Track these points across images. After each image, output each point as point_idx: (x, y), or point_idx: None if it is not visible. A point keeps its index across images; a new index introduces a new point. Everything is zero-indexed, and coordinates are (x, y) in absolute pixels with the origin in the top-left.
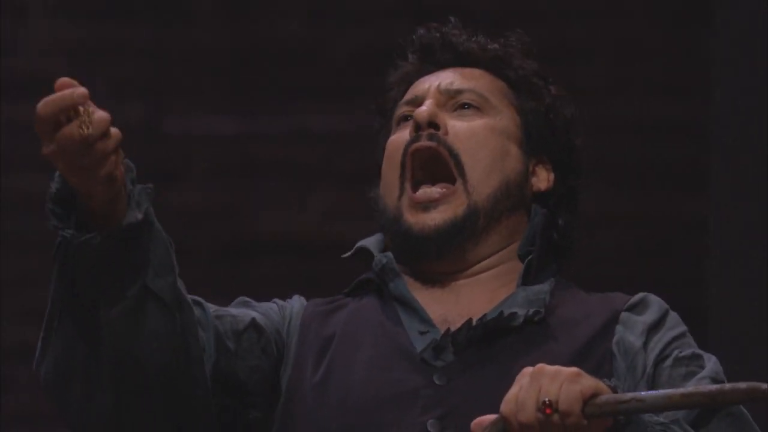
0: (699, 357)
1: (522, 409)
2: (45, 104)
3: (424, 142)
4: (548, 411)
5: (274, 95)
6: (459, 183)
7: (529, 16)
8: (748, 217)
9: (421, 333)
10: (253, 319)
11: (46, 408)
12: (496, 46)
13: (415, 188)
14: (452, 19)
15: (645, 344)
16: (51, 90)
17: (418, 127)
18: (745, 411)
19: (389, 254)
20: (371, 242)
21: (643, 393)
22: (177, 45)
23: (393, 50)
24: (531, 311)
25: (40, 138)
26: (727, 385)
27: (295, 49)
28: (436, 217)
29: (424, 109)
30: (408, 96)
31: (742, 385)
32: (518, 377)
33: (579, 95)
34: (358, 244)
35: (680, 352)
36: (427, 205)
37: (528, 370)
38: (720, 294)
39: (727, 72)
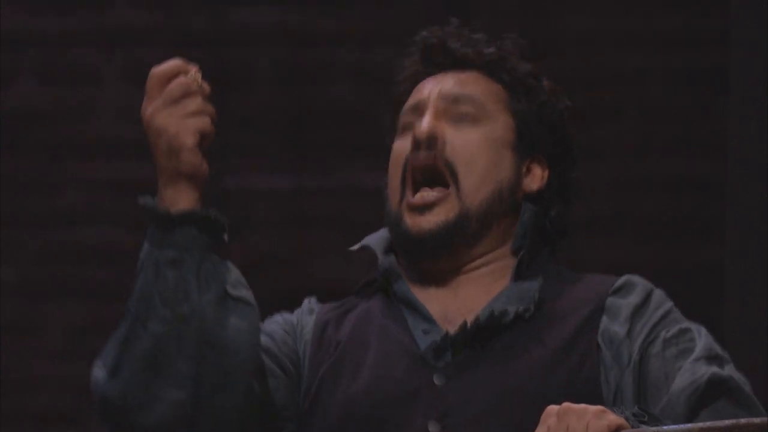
0: (687, 331)
1: None
2: (162, 66)
3: (422, 156)
4: None
5: (327, 153)
6: (452, 189)
7: (561, 81)
8: (759, 263)
9: (425, 332)
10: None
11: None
12: (492, 49)
13: (413, 193)
14: (453, 20)
15: (629, 331)
16: (124, 150)
17: (417, 144)
18: (743, 385)
19: (392, 257)
20: (376, 241)
21: (665, 427)
22: (238, 108)
23: None
24: (521, 308)
25: (147, 98)
26: (743, 420)
27: (345, 111)
28: (430, 220)
29: (424, 127)
30: (411, 101)
31: (756, 420)
32: (544, 416)
33: (604, 154)
34: (364, 242)
35: (667, 331)
36: (422, 209)
37: (553, 408)
38: (734, 334)
39: (741, 132)
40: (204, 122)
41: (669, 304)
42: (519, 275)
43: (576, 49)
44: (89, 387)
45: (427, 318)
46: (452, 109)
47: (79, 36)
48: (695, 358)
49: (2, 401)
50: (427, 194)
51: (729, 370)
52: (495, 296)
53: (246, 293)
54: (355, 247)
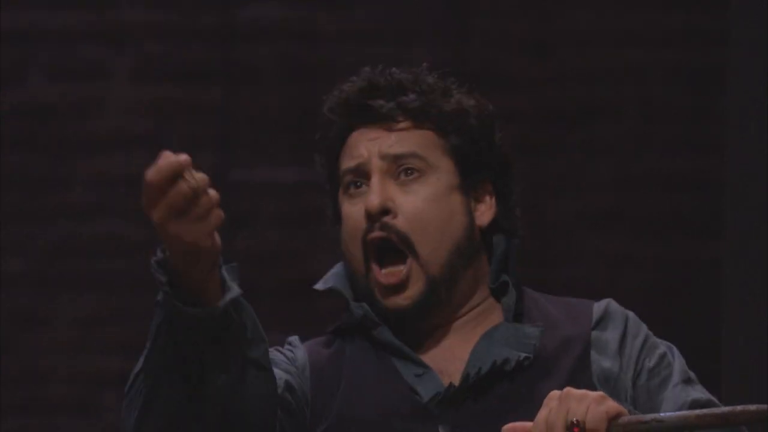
0: (664, 356)
1: (551, 429)
2: (156, 171)
3: (377, 234)
4: (576, 430)
5: None
6: (411, 261)
7: (562, 79)
8: (758, 261)
9: (417, 376)
10: (287, 381)
11: None
12: (413, 96)
13: (379, 266)
14: (364, 70)
15: (620, 365)
16: (133, 144)
17: (370, 217)
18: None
19: (364, 305)
20: (340, 282)
21: (662, 414)
22: (244, 104)
23: None
24: (522, 356)
25: (149, 206)
26: (739, 407)
27: None
28: (406, 297)
29: (374, 200)
30: (349, 162)
31: (752, 407)
32: (546, 400)
33: (605, 151)
34: (330, 285)
35: (649, 361)
36: (394, 288)
37: (555, 393)
38: (732, 330)
39: (740, 129)
40: (216, 219)
41: (644, 327)
42: (512, 316)
43: (576, 48)
44: (99, 377)
45: (416, 362)
46: (396, 168)
47: (88, 32)
48: (674, 384)
49: (13, 392)
50: (393, 273)
51: (703, 392)
52: (488, 334)
53: (262, 349)
54: (320, 286)
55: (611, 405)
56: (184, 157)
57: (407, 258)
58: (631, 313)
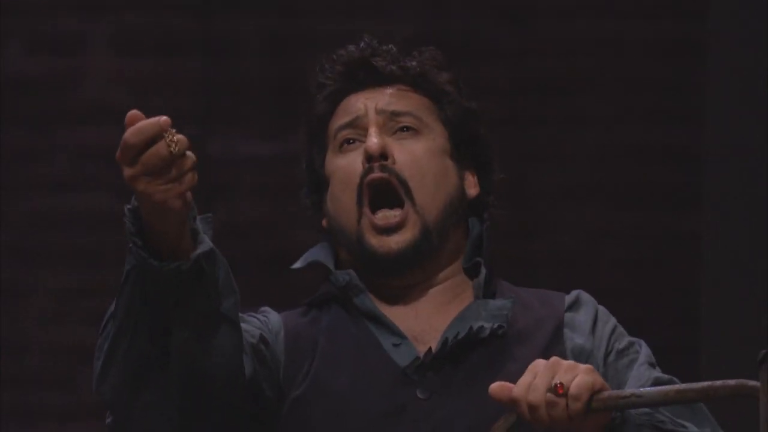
0: (632, 344)
1: (534, 390)
2: (135, 132)
3: (377, 174)
4: (560, 390)
5: None
6: (408, 206)
7: (541, 50)
8: (737, 233)
9: (395, 345)
10: (261, 335)
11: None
12: (414, 63)
13: (372, 212)
14: (367, 37)
15: (592, 344)
16: (112, 117)
17: (370, 158)
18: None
19: (351, 272)
20: (322, 255)
21: (641, 389)
22: (224, 77)
23: None
24: (495, 325)
25: (122, 163)
26: (718, 382)
27: None
28: (398, 240)
29: (375, 142)
30: (344, 118)
31: (732, 381)
32: (531, 367)
33: (585, 122)
34: (310, 258)
35: (619, 344)
36: (388, 230)
37: (541, 361)
38: (711, 301)
39: (719, 101)
40: (188, 182)
41: (612, 319)
42: (485, 291)
43: (555, 20)
44: (76, 351)
45: (395, 332)
46: (392, 124)
47: (66, 4)
48: (640, 363)
49: None
50: (389, 215)
51: (664, 375)
52: (462, 313)
53: (232, 301)
54: (298, 264)
55: (599, 379)
56: (164, 119)
57: (404, 204)
58: (601, 306)
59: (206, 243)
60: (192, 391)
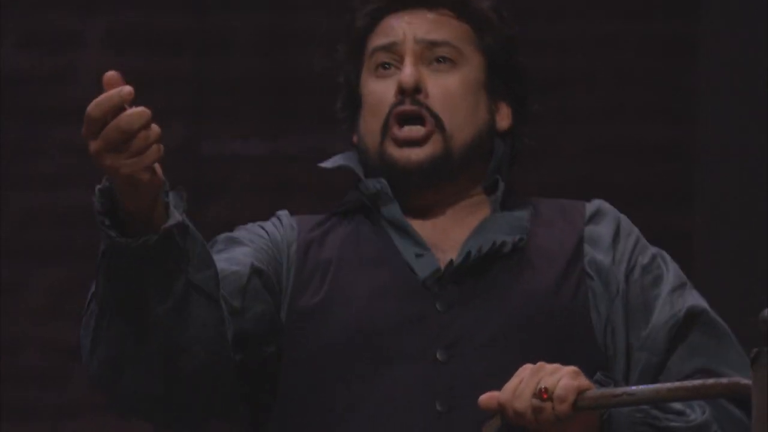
0: (655, 257)
1: (519, 396)
2: (96, 105)
3: (407, 107)
4: (545, 395)
5: (302, 119)
6: (437, 131)
7: (532, 48)
8: (729, 231)
9: (417, 255)
10: (252, 265)
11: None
12: None
13: (399, 129)
14: None
15: (613, 259)
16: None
17: (402, 92)
18: (714, 315)
19: (383, 180)
20: (353, 162)
21: (633, 387)
22: (217, 75)
23: None
24: (517, 238)
25: (87, 137)
26: (711, 380)
27: (320, 79)
28: (419, 153)
29: (409, 75)
30: (383, 39)
31: (724, 380)
32: (519, 371)
33: (577, 119)
34: (341, 162)
35: (642, 258)
36: (410, 143)
37: (528, 366)
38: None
39: (710, 98)
40: (153, 155)
41: (636, 230)
42: (502, 206)
43: (547, 15)
44: (71, 346)
45: (418, 242)
46: (429, 54)
47: (61, 0)
48: (671, 287)
49: None
50: (415, 129)
51: (698, 299)
52: (480, 225)
53: (208, 274)
54: (327, 164)
55: (583, 381)
56: (126, 90)
57: (433, 128)
58: (623, 215)
59: (175, 216)
60: (173, 366)
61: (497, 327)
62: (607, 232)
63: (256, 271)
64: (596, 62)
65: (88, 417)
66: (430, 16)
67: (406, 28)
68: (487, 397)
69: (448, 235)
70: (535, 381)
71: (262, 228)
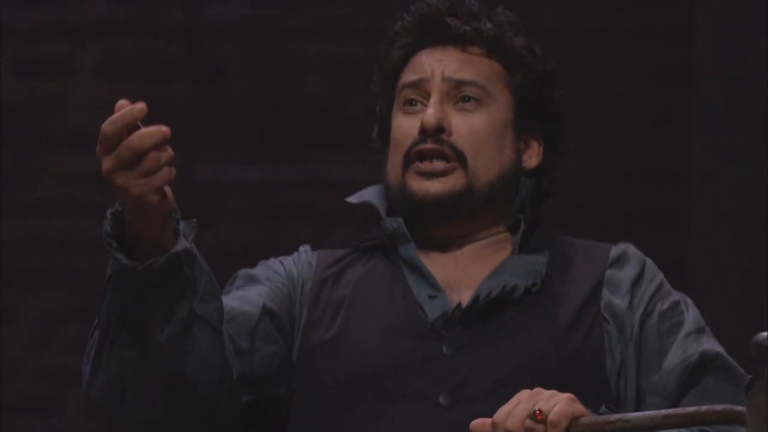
0: (678, 304)
1: (512, 417)
2: (110, 122)
3: (429, 146)
4: (539, 417)
5: (298, 145)
6: (460, 168)
7: None
8: (723, 258)
9: (431, 297)
10: (264, 305)
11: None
12: (489, 25)
13: (421, 162)
14: None
15: (630, 302)
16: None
17: (424, 131)
18: (731, 360)
19: (400, 219)
20: (376, 197)
21: (630, 414)
22: (210, 101)
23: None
24: (530, 283)
25: (101, 156)
26: (705, 407)
27: (316, 105)
28: (437, 186)
29: (432, 115)
30: (412, 76)
31: (718, 407)
32: (517, 395)
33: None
34: (365, 198)
35: (662, 304)
36: (430, 175)
37: (526, 391)
38: None
39: (704, 125)
40: (165, 176)
41: (660, 275)
42: (523, 247)
43: (542, 43)
44: (63, 374)
45: (432, 284)
46: (456, 93)
47: (53, 28)
48: (686, 332)
49: None
50: (437, 163)
51: (714, 344)
52: (499, 267)
53: (213, 306)
54: (353, 198)
55: (578, 407)
56: (138, 107)
57: (457, 165)
58: (649, 260)
59: (183, 242)
60: (173, 395)
61: (503, 371)
62: (628, 277)
63: (267, 312)
64: (590, 89)
65: None
66: (460, 54)
67: (435, 65)
68: (479, 423)
69: (467, 273)
70: (531, 404)
71: (282, 264)
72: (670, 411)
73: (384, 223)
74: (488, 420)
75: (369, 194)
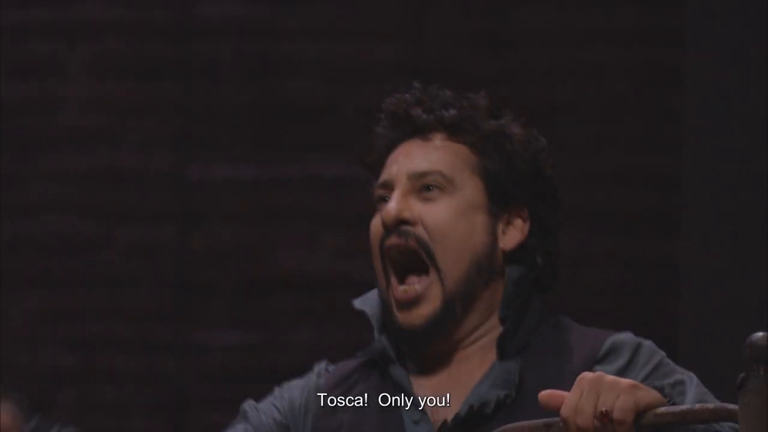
0: (677, 384)
1: (580, 413)
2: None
3: (394, 240)
4: (605, 419)
5: (289, 144)
6: (433, 272)
7: (520, 77)
8: (715, 259)
9: (415, 422)
10: None
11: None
12: (453, 111)
13: (398, 281)
14: (416, 85)
15: None
16: (90, 141)
17: (386, 226)
18: None
19: (383, 339)
20: (372, 310)
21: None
22: (203, 101)
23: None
24: (502, 395)
25: None
26: (697, 406)
27: (308, 105)
28: (420, 315)
29: (391, 210)
30: (383, 176)
31: (710, 405)
32: (578, 381)
33: (564, 148)
34: (364, 307)
35: (661, 382)
36: (409, 304)
37: (588, 375)
38: (689, 328)
39: (698, 127)
40: None
41: (658, 357)
42: (503, 352)
43: (534, 45)
44: (54, 374)
45: (417, 407)
46: (419, 185)
47: (45, 28)
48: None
49: None
50: (410, 288)
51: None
52: (480, 379)
53: None
54: (357, 303)
55: (641, 396)
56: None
57: (428, 270)
58: (647, 342)
59: None
60: None
61: None
62: (611, 370)
63: None
64: (583, 91)
65: None
66: (423, 144)
67: (401, 161)
68: (548, 394)
69: (460, 384)
70: (594, 396)
71: (281, 397)
72: (663, 410)
73: (374, 343)
74: (557, 394)
75: (368, 303)
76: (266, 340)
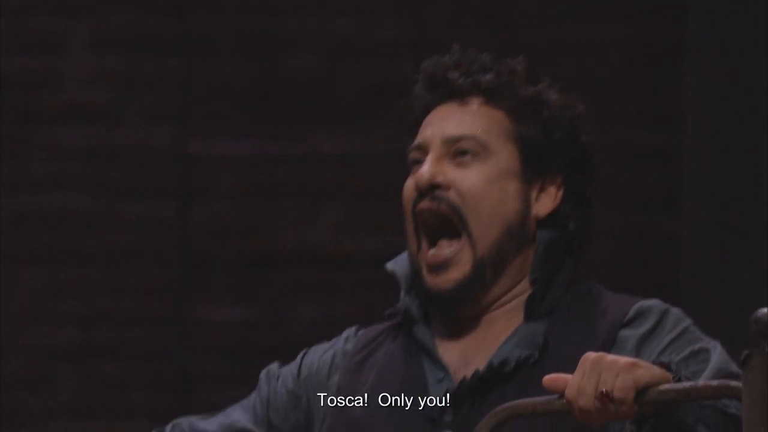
0: (699, 352)
1: (582, 395)
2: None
3: (426, 204)
4: (606, 400)
5: (290, 120)
6: (464, 237)
7: (519, 52)
8: (717, 235)
9: (439, 381)
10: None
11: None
12: (490, 76)
13: (429, 245)
14: (455, 47)
15: (637, 355)
16: (90, 116)
17: (419, 189)
18: None
19: (406, 300)
20: (403, 270)
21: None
22: (204, 76)
23: (395, 83)
24: (523, 356)
25: None
26: (701, 383)
27: (311, 81)
28: (449, 279)
29: (425, 173)
30: (419, 138)
31: (714, 382)
32: (581, 362)
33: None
34: (395, 267)
35: (677, 355)
36: (438, 267)
37: (591, 355)
38: (691, 304)
39: (698, 102)
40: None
41: (684, 324)
42: (530, 314)
43: (534, 21)
44: (55, 350)
45: (441, 366)
46: (453, 150)
47: (45, 3)
48: (704, 377)
49: None
50: (441, 251)
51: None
52: (505, 340)
53: None
54: (389, 265)
55: (640, 374)
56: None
57: (460, 234)
58: (674, 309)
59: None
60: None
61: None
62: (636, 334)
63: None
64: (583, 67)
65: (73, 420)
66: (459, 108)
67: (436, 125)
68: (551, 379)
69: (486, 346)
70: (595, 377)
71: (308, 360)
72: (666, 386)
73: (400, 303)
74: (562, 377)
75: (398, 264)
76: (268, 315)
